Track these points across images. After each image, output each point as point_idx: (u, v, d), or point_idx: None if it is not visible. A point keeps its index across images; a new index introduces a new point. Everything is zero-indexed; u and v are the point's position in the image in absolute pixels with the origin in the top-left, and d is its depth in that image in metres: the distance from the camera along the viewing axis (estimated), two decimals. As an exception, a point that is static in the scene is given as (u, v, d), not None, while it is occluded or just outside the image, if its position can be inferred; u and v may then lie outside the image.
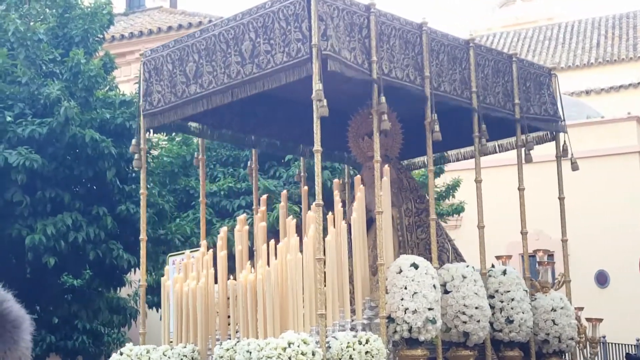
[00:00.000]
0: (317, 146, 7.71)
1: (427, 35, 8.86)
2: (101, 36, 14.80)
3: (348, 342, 7.53)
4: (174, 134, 14.44)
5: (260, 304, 7.87)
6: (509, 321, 9.12)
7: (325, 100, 7.63)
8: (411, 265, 8.23)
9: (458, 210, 18.81)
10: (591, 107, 26.70)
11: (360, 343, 7.61)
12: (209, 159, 15.45)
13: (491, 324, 9.07)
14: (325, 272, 7.94)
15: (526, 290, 9.35)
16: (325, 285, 7.85)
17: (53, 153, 12.59)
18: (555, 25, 33.27)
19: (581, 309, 10.76)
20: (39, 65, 13.42)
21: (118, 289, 15.13)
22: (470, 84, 9.23)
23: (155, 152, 15.23)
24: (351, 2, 8.24)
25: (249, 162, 10.82)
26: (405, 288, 8.13)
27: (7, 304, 1.32)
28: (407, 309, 8.05)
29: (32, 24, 14.13)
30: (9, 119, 12.45)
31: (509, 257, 10.16)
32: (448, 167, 16.95)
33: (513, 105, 9.73)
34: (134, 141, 9.29)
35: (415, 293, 8.10)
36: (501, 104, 9.63)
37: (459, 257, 9.77)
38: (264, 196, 9.87)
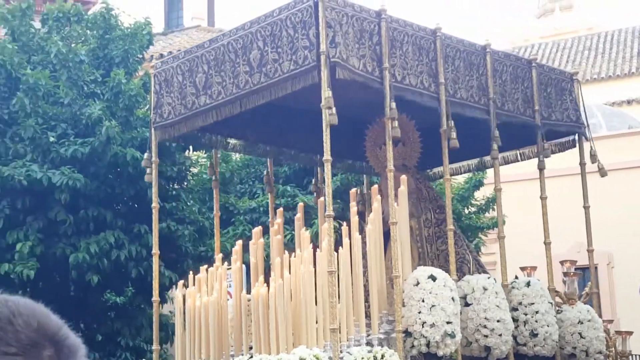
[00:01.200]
0: (326, 155, 7.46)
1: (442, 41, 8.59)
2: (141, 56, 14.85)
3: (362, 357, 7.23)
4: (210, 150, 14.37)
5: (272, 319, 7.60)
6: (534, 334, 8.75)
7: (334, 108, 7.38)
8: (429, 277, 7.93)
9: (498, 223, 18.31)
10: (633, 117, 26.07)
11: (375, 358, 7.31)
12: (247, 176, 15.40)
13: (515, 337, 8.72)
14: (339, 285, 7.67)
15: (551, 303, 8.98)
16: (339, 299, 7.58)
17: (95, 172, 12.60)
18: (595, 34, 32.62)
19: (610, 321, 10.34)
20: (81, 86, 13.51)
21: (160, 305, 15.06)
22: (487, 91, 8.93)
23: (194, 170, 15.23)
24: (361, 8, 7.99)
25: (265, 172, 10.61)
26: (423, 301, 7.82)
27: (64, 329, 1.30)
28: (425, 322, 7.74)
29: (73, 45, 14.26)
30: (52, 139, 12.56)
31: (534, 268, 9.78)
32: (487, 180, 16.57)
33: (533, 111, 9.41)
34: (145, 155, 9.12)
35: (433, 306, 7.79)
36: (520, 110, 9.31)
37: (481, 269, 9.43)
38: (280, 209, 9.62)
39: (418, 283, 7.90)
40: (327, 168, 7.48)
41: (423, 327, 7.73)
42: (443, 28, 8.69)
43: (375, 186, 8.50)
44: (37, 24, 14.65)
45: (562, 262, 10.26)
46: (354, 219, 8.23)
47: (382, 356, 7.34)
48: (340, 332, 7.50)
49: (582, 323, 9.24)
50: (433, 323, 7.73)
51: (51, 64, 13.57)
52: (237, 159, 15.23)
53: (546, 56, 31.22)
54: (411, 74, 8.25)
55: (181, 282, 8.85)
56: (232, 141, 9.93)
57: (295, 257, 7.90)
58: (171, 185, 13.55)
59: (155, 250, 8.92)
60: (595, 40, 31.83)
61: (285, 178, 14.90)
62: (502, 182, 17.29)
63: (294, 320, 7.63)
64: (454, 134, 8.27)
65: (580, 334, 9.18)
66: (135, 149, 12.55)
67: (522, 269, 10.08)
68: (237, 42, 8.23)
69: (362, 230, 8.26)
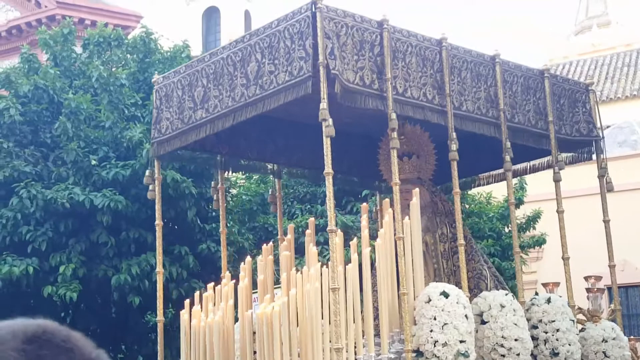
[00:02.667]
0: (327, 169, 7.14)
1: (447, 52, 8.27)
2: None
3: (371, 378, 6.83)
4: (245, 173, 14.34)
5: (277, 338, 7.23)
6: (554, 354, 8.28)
7: (330, 120, 7.08)
8: (441, 293, 7.52)
9: (539, 242, 17.86)
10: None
11: (385, 379, 6.90)
12: (286, 196, 15.18)
13: (535, 357, 8.26)
14: (347, 303, 7.31)
15: (573, 320, 8.52)
16: (349, 317, 7.20)
17: (136, 194, 12.57)
18: (634, 50, 32.05)
19: (638, 339, 9.83)
20: (122, 109, 13.59)
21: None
22: (497, 102, 8.59)
23: (234, 191, 15.13)
24: (362, 18, 7.72)
25: (270, 191, 10.32)
26: (435, 319, 7.41)
27: (98, 351, 1.23)
28: (437, 341, 7.33)
29: (114, 69, 14.44)
30: (93, 162, 12.68)
31: (557, 284, 9.34)
32: (528, 198, 16.15)
33: (546, 123, 9.04)
34: (148, 172, 8.88)
35: (445, 324, 7.37)
36: (532, 122, 8.94)
37: (500, 285, 9.00)
38: (291, 225, 9.30)
39: (430, 300, 7.50)
40: (329, 182, 7.15)
41: (435, 346, 7.32)
42: (449, 38, 8.37)
43: (387, 200, 8.14)
44: (78, 49, 15.04)
45: (586, 278, 9.81)
46: (364, 233, 7.88)
47: (392, 376, 6.94)
48: (348, 351, 7.12)
49: (606, 341, 8.76)
50: (445, 342, 7.31)
51: (92, 88, 13.79)
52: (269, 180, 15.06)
53: (584, 73, 30.73)
54: (413, 86, 7.94)
55: (187, 301, 8.53)
56: (234, 160, 9.65)
57: (301, 274, 7.55)
58: (211, 207, 13.50)
59: (160, 268, 8.65)
60: (634, 57, 31.26)
61: (323, 199, 14.67)
62: (543, 200, 16.95)
63: (301, 340, 7.25)
64: (454, 147, 7.93)
65: (604, 352, 8.69)
66: (175, 171, 12.58)
67: (545, 285, 9.64)
68: (236, 55, 7.99)
69: None
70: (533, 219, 17.31)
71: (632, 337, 9.53)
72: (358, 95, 7.54)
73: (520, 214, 17.12)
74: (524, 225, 17.34)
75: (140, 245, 12.76)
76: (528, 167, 10.11)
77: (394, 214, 7.67)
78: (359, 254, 7.55)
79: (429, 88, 8.08)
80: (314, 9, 7.29)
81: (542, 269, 18.00)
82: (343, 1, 8.37)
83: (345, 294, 7.16)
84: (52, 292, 11.99)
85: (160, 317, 8.67)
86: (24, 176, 12.49)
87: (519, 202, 16.39)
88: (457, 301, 7.48)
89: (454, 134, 7.99)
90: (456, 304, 7.46)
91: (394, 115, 7.54)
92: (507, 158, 8.50)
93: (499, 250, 15.68)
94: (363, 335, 7.33)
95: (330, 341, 6.98)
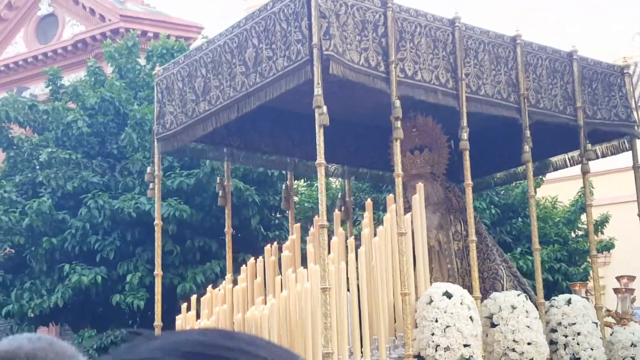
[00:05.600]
0: (320, 159, 6.57)
1: (461, 32, 7.60)
2: None
3: (360, 386, 6.30)
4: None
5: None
6: (575, 359, 7.60)
7: (325, 108, 6.50)
8: (443, 294, 6.91)
9: (607, 247, 16.97)
10: None
11: (377, 386, 6.36)
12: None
13: (554, 362, 7.60)
14: (349, 304, 6.78)
15: (596, 323, 7.81)
16: (343, 319, 6.67)
17: (200, 203, 12.47)
18: None
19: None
20: None
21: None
22: (518, 86, 7.90)
23: (296, 199, 14.75)
24: (364, -4, 7.11)
25: (283, 186, 9.81)
26: (437, 321, 6.81)
27: None
28: (439, 345, 6.73)
29: None
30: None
31: (584, 284, 8.62)
32: (596, 202, 15.30)
33: (575, 109, 8.30)
34: (149, 169, 8.42)
35: (447, 326, 6.76)
36: (559, 108, 8.20)
37: (520, 286, 8.33)
38: (297, 224, 8.78)
39: (431, 301, 6.89)
40: (321, 173, 6.58)
41: (437, 350, 6.72)
42: (462, 18, 7.70)
43: (391, 195, 7.56)
44: (142, 61, 15.11)
45: (618, 278, 9.07)
46: (364, 231, 7.33)
47: (386, 384, 6.39)
48: (340, 355, 6.60)
49: (635, 346, 8.01)
50: (448, 346, 6.70)
51: None
52: (337, 186, 14.54)
53: None
54: (424, 68, 7.30)
55: (184, 305, 8.11)
56: (243, 153, 9.13)
57: (295, 274, 7.05)
58: (274, 214, 13.51)
59: (158, 271, 8.17)
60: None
61: (385, 205, 14.24)
62: (611, 205, 16.03)
63: (291, 343, 6.76)
64: (465, 135, 7.28)
65: (633, 358, 7.95)
66: (238, 179, 12.42)
67: (572, 285, 8.94)
68: (232, 42, 7.46)
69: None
70: (601, 223, 16.39)
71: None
72: (364, 76, 6.96)
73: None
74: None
75: (205, 253, 12.66)
76: (565, 160, 9.30)
77: (396, 208, 7.09)
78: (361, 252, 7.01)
79: (441, 71, 7.43)
80: (308, -14, 6.72)
81: (610, 274, 17.01)
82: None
83: (339, 294, 6.63)
84: (120, 300, 12.03)
85: (157, 322, 8.17)
86: (92, 187, 12.65)
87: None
88: (460, 302, 6.86)
89: (464, 121, 7.33)
90: (460, 305, 6.84)
91: (397, 103, 6.92)
92: (527, 148, 7.80)
93: (565, 255, 14.85)
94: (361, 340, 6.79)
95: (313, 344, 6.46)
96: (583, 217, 15.46)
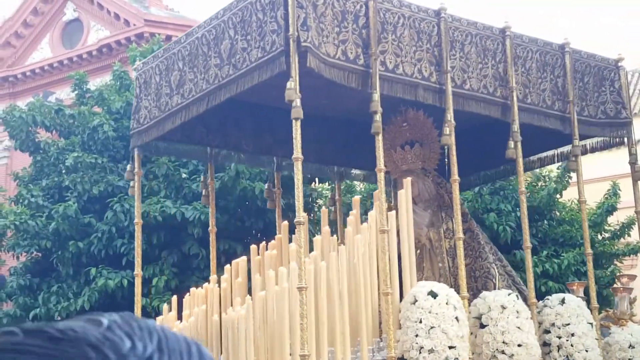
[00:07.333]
0: (296, 153, 6.26)
1: (447, 24, 7.30)
2: None
3: (338, 389, 5.97)
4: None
5: (242, 344, 6.44)
6: (569, 361, 7.26)
7: (299, 101, 6.20)
8: (428, 293, 6.58)
9: (635, 250, 16.53)
10: None
11: (357, 389, 6.03)
12: (373, 206, 14.46)
13: (547, 365, 7.25)
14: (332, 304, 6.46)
15: (591, 323, 7.47)
16: (321, 321, 6.36)
17: (225, 206, 12.34)
18: None
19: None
20: None
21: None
22: (506, 80, 7.59)
23: (320, 202, 14.52)
24: (343, -14, 6.82)
25: (266, 185, 9.50)
26: (421, 322, 6.47)
27: None
28: (422, 347, 6.38)
29: None
30: (184, 175, 12.70)
31: (582, 284, 8.29)
32: (621, 205, 14.94)
33: (564, 104, 7.97)
34: (128, 167, 8.15)
35: (432, 327, 6.42)
36: (547, 103, 7.88)
37: (514, 285, 7.99)
38: (284, 222, 8.48)
39: (416, 301, 6.56)
40: (297, 168, 6.27)
41: (420, 352, 6.37)
42: (448, 9, 7.40)
43: (377, 191, 7.25)
44: None
45: (618, 277, 8.71)
46: (347, 229, 7.03)
47: (366, 387, 6.06)
48: (319, 358, 6.28)
49: (633, 347, 7.65)
50: (432, 348, 6.36)
51: None
52: (362, 189, 14.24)
53: None
54: (406, 62, 6.98)
55: (165, 306, 7.82)
56: (224, 152, 8.83)
57: (275, 273, 6.74)
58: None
59: (138, 271, 7.89)
60: None
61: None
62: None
63: (267, 345, 6.45)
64: (448, 130, 6.97)
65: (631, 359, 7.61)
66: (263, 183, 12.17)
67: (569, 285, 8.61)
68: (210, 33, 7.16)
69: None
70: (627, 225, 16.00)
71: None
72: (340, 71, 6.67)
73: (614, 220, 15.90)
74: (618, 233, 16.03)
75: (230, 256, 12.19)
76: (555, 156, 8.99)
77: (381, 205, 6.79)
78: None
79: (425, 64, 7.11)
80: (285, -25, 6.43)
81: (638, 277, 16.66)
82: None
83: (318, 294, 6.31)
84: (146, 304, 11.85)
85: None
86: (118, 190, 12.60)
87: (612, 209, 15.21)
88: (446, 302, 6.52)
89: (449, 115, 7.02)
90: (445, 305, 6.50)
91: (376, 97, 6.62)
92: (511, 144, 7.49)
93: (592, 258, 14.46)
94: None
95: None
96: (610, 220, 15.12)
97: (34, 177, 13.89)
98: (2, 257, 14.97)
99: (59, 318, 12.80)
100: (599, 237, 14.83)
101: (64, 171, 13.26)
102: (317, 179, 9.60)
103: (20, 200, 13.36)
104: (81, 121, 13.52)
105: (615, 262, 15.23)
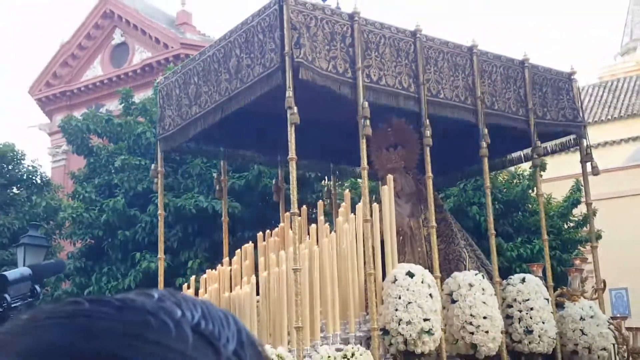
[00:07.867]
0: (291, 154, 6.20)
1: (422, 43, 7.07)
2: None
3: (329, 356, 5.69)
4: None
5: (247, 319, 6.17)
6: (528, 331, 7.06)
7: (295, 108, 6.06)
8: (406, 274, 6.37)
9: (596, 237, 16.17)
10: None
11: (345, 357, 5.75)
12: None
13: (510, 334, 6.97)
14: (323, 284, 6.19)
15: (547, 299, 7.16)
16: (316, 298, 6.08)
17: (249, 201, 12.60)
18: None
19: (624, 318, 8.31)
20: None
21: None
22: (475, 90, 7.27)
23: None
24: (332, 11, 6.77)
25: (274, 181, 9.21)
26: (400, 298, 6.30)
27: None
28: (401, 320, 6.23)
29: None
30: (214, 174, 12.72)
31: (540, 265, 7.96)
32: (584, 198, 14.59)
33: (527, 110, 7.67)
34: (153, 165, 7.94)
35: (409, 303, 6.30)
36: (512, 109, 7.62)
37: (483, 267, 7.71)
38: (287, 213, 8.19)
39: (395, 280, 6.37)
40: (292, 167, 6.21)
41: (399, 324, 6.27)
42: (424, 29, 7.12)
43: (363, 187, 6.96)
44: None
45: (573, 259, 8.37)
46: (338, 219, 6.75)
47: (353, 354, 5.83)
48: (314, 330, 6.00)
49: (584, 319, 7.46)
50: (409, 320, 6.23)
51: None
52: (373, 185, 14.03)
53: (631, 88, 28.56)
54: (388, 74, 6.80)
55: (185, 284, 7.55)
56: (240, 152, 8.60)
57: (277, 256, 6.47)
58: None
59: (161, 255, 7.65)
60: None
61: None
62: (599, 200, 15.37)
63: (274, 320, 6.19)
64: (427, 133, 6.68)
65: (582, 330, 7.42)
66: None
67: (530, 265, 8.25)
68: (219, 52, 7.09)
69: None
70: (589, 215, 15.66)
71: (618, 315, 8.02)
72: (332, 82, 6.39)
73: (579, 212, 15.53)
74: (581, 222, 15.69)
75: (254, 243, 12.56)
76: (521, 156, 8.68)
77: (367, 199, 6.50)
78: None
79: (404, 77, 6.97)
80: (280, 2, 6.27)
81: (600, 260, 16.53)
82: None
83: (314, 275, 6.04)
84: (182, 282, 12.16)
85: None
86: None
87: (577, 202, 15.36)
88: (422, 281, 6.39)
89: (426, 121, 6.75)
90: (421, 284, 6.36)
91: (366, 104, 6.47)
92: (484, 144, 7.22)
93: (559, 244, 14.29)
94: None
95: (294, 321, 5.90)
96: (574, 211, 14.76)
97: (88, 176, 14.55)
98: (62, 243, 14.79)
99: (110, 295, 12.62)
100: (565, 226, 14.54)
101: (113, 171, 13.88)
102: (325, 178, 9.36)
103: (77, 196, 14.22)
104: (127, 129, 14.19)
105: (579, 247, 14.89)
